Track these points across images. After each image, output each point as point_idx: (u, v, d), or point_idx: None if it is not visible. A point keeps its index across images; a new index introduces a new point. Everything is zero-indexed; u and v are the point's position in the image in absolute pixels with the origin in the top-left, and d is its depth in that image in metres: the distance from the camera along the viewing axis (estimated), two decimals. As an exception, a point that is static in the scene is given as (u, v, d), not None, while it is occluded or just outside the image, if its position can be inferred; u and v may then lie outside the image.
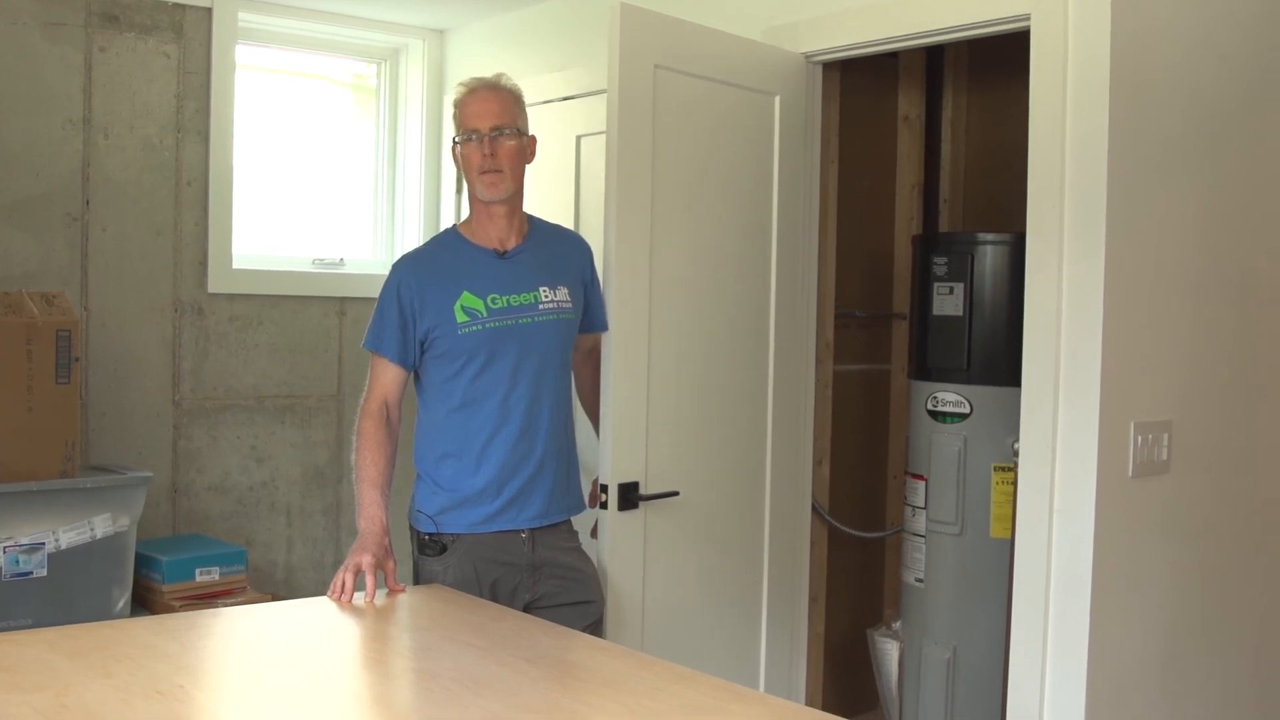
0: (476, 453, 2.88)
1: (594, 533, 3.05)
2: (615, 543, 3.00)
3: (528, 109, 2.99)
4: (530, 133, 2.96)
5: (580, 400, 3.22)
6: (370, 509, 2.79)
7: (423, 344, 2.88)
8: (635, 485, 3.02)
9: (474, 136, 2.87)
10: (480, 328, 2.85)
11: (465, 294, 2.86)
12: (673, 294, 3.13)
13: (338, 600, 2.65)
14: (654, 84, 3.04)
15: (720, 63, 3.23)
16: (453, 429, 2.89)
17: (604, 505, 2.98)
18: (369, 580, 2.67)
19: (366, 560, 2.69)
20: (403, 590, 2.75)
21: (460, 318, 2.85)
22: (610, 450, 2.97)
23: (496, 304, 2.88)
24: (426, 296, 2.86)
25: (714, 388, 3.27)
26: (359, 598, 2.66)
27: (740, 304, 3.34)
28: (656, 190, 3.06)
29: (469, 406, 2.88)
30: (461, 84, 2.97)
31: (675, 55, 3.10)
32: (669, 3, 3.27)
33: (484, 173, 2.87)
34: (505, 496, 2.88)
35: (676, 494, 3.12)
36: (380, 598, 2.68)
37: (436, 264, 2.93)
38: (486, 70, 3.12)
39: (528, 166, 2.97)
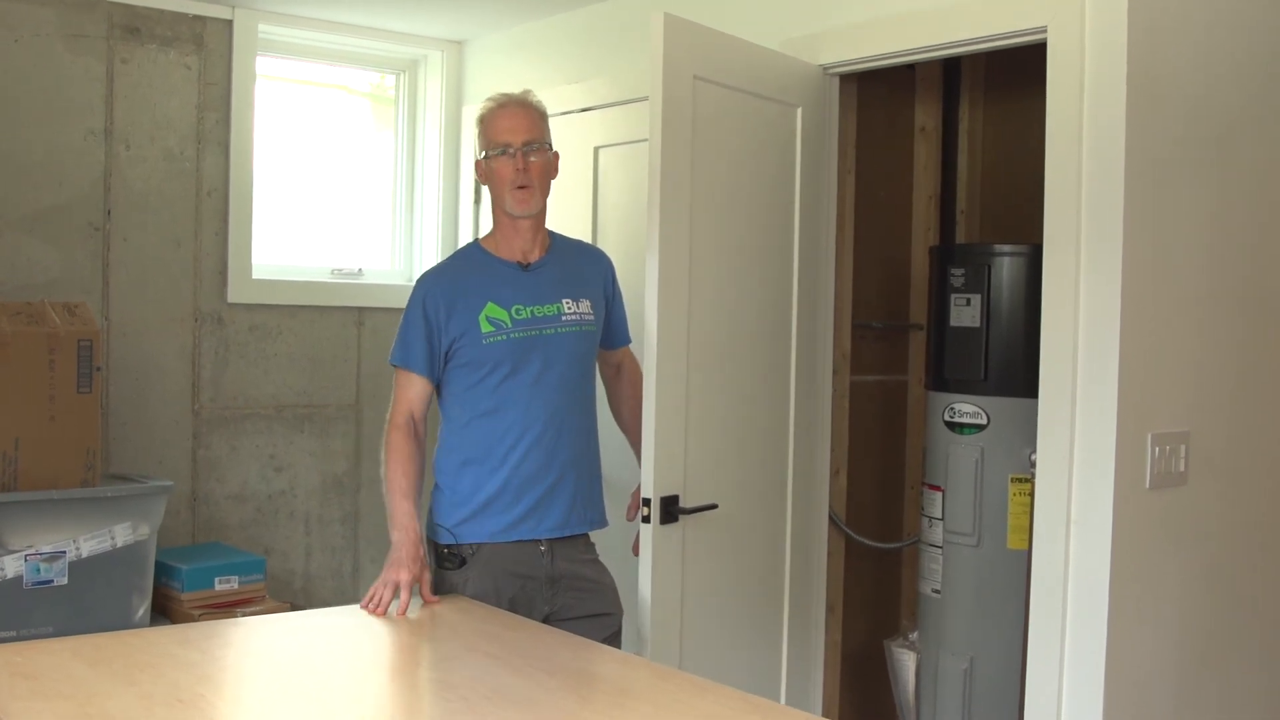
0: (498, 459, 2.89)
1: (635, 548, 2.97)
2: (656, 555, 2.93)
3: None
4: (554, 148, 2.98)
5: (615, 418, 3.23)
6: (403, 519, 2.82)
7: (447, 355, 2.90)
8: (675, 499, 2.98)
9: (507, 151, 2.88)
10: (505, 338, 2.87)
11: (490, 305, 2.88)
12: (708, 307, 3.10)
13: (370, 611, 2.67)
14: (694, 95, 3.00)
15: (750, 74, 3.21)
16: (475, 436, 2.91)
17: (645, 519, 2.93)
18: (404, 596, 2.70)
19: (405, 578, 2.73)
20: (437, 602, 2.77)
21: (485, 328, 2.87)
22: (652, 463, 2.92)
23: (521, 315, 2.89)
24: (452, 309, 2.88)
25: (744, 399, 3.26)
26: (392, 608, 2.69)
27: (766, 315, 3.33)
28: (695, 203, 3.03)
29: (492, 414, 2.90)
30: (490, 99, 2.98)
31: (712, 66, 3.06)
32: (689, 12, 3.27)
33: (517, 188, 2.88)
34: (525, 505, 2.89)
35: (715, 506, 3.08)
36: (414, 610, 2.70)
37: (461, 277, 2.95)
38: (506, 82, 3.13)
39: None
